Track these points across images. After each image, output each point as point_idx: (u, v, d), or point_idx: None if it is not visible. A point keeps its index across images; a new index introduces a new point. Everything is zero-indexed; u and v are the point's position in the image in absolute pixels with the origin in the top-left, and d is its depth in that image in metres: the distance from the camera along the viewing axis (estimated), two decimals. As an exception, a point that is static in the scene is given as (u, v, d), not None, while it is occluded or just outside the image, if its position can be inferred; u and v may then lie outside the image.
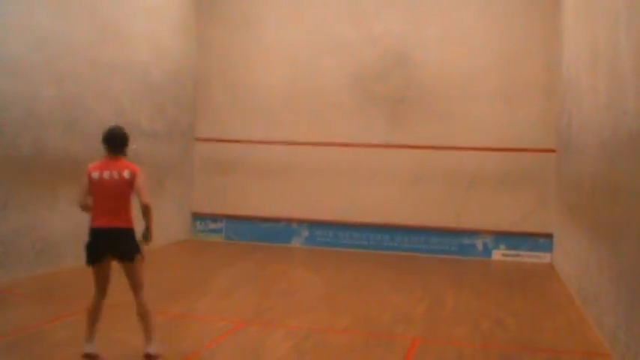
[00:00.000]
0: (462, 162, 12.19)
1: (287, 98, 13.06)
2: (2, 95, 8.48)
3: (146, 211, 5.42)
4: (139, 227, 5.52)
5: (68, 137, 9.70)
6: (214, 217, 13.39)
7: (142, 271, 5.48)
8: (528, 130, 11.95)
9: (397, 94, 12.56)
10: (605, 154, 6.75)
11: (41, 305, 7.58)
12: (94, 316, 5.41)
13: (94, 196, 5.35)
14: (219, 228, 13.40)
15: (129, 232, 5.46)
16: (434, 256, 12.18)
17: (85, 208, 5.41)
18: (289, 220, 13.01)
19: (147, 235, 5.49)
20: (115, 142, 5.49)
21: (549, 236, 11.71)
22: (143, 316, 5.43)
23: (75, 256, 8.44)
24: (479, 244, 12.18)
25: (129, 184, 5.43)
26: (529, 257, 11.89)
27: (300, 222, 12.96)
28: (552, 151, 11.69)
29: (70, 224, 9.23)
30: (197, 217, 13.49)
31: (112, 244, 5.39)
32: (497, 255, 12.09)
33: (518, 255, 11.97)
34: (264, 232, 13.12)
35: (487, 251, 12.14)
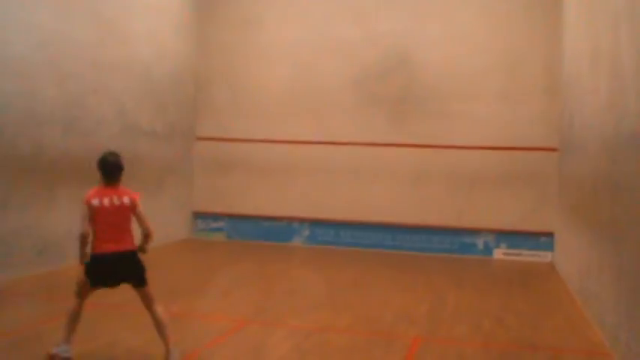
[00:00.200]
0: (464, 161, 12.19)
1: (288, 97, 13.06)
2: (3, 95, 8.49)
3: (149, 237, 5.59)
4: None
5: (69, 137, 9.71)
6: (216, 216, 13.40)
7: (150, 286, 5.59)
8: (530, 129, 11.94)
9: (398, 94, 12.56)
10: (607, 154, 6.74)
11: (42, 305, 7.58)
12: (77, 319, 5.45)
13: (96, 222, 5.38)
14: (221, 227, 13.40)
15: (135, 255, 5.56)
16: (435, 255, 12.18)
17: (87, 237, 5.39)
18: (290, 219, 13.02)
19: (142, 250, 5.64)
20: (114, 171, 5.53)
21: (550, 235, 11.70)
22: (162, 328, 5.48)
23: (75, 256, 8.40)
24: (480, 243, 12.18)
25: (130, 210, 5.54)
26: (530, 256, 11.89)
27: (302, 221, 12.97)
28: (554, 150, 11.69)
29: (70, 224, 9.20)
30: (198, 216, 13.49)
31: (122, 270, 5.48)
32: (498, 254, 12.09)
33: (519, 254, 11.96)
34: (266, 231, 13.13)
35: (488, 250, 12.14)
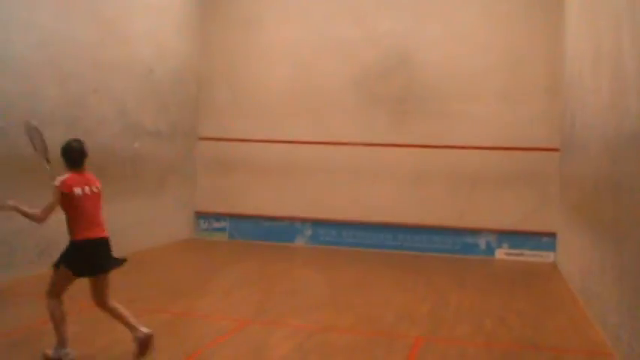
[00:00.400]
0: (465, 161, 12.18)
1: (290, 97, 13.07)
2: (5, 95, 8.49)
3: None
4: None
5: (70, 136, 9.63)
6: (218, 216, 13.41)
7: None
8: (531, 129, 11.93)
9: (399, 94, 12.56)
10: (608, 154, 6.74)
11: (43, 305, 7.57)
12: (64, 318, 5.44)
13: (77, 210, 5.42)
14: (223, 227, 13.41)
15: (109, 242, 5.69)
16: (437, 255, 12.17)
17: (40, 222, 5.50)
18: (292, 219, 13.02)
19: None
20: (81, 157, 5.60)
21: (552, 235, 11.70)
22: (119, 314, 5.49)
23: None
24: (482, 243, 12.17)
25: (101, 197, 5.68)
26: (532, 256, 11.88)
27: (304, 221, 12.97)
28: (556, 150, 11.68)
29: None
30: (200, 215, 13.50)
31: (104, 256, 5.55)
32: (500, 254, 12.09)
33: (521, 254, 11.96)
34: (268, 231, 13.13)
35: (490, 250, 12.13)
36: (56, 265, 5.48)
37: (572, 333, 7.01)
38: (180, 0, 12.92)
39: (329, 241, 12.81)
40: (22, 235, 8.75)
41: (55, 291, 5.44)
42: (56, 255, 5.58)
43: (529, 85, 12.01)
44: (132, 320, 5.44)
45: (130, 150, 11.16)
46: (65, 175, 5.47)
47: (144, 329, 5.39)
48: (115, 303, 5.52)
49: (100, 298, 5.52)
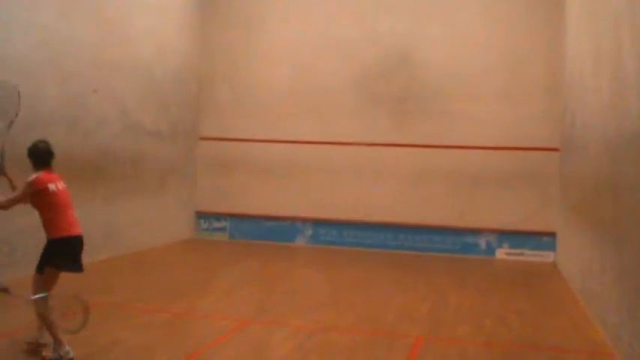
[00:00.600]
0: (466, 161, 12.19)
1: (290, 97, 13.08)
2: (5, 95, 8.49)
3: None
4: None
5: (71, 136, 9.72)
6: (218, 216, 13.41)
7: None
8: (532, 129, 11.93)
9: (400, 94, 12.57)
10: (609, 154, 6.74)
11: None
12: (55, 318, 5.40)
13: (53, 208, 5.44)
14: (224, 227, 13.42)
15: None
16: (437, 254, 12.18)
17: (4, 209, 5.54)
18: (293, 219, 13.03)
19: None
20: (49, 156, 5.64)
21: (553, 235, 11.70)
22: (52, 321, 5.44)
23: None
24: (482, 242, 12.18)
25: None
26: (532, 256, 11.89)
27: (304, 221, 12.98)
28: (556, 150, 11.68)
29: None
30: (201, 215, 13.51)
31: (79, 252, 5.60)
32: (500, 254, 12.09)
33: (521, 254, 11.96)
34: (268, 231, 13.13)
35: (490, 250, 12.14)
36: (39, 269, 5.49)
37: (572, 333, 7.01)
38: (181, 0, 12.92)
39: (329, 241, 12.82)
40: (22, 235, 8.75)
41: (48, 288, 5.43)
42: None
43: (529, 85, 12.01)
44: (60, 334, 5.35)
45: (131, 150, 11.16)
46: (37, 173, 5.51)
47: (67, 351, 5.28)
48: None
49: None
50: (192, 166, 13.44)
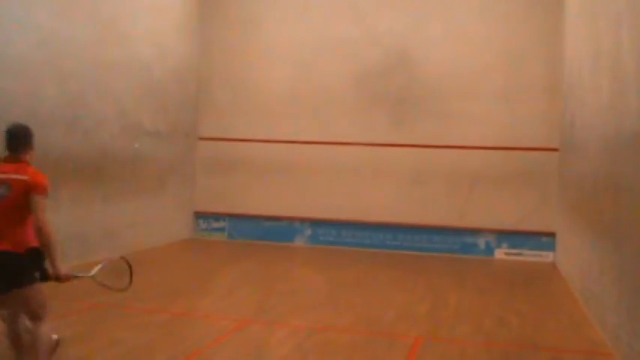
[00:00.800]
0: (465, 161, 12.19)
1: (289, 97, 13.08)
2: (4, 94, 8.48)
3: None
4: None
5: (70, 136, 9.71)
6: (217, 216, 13.41)
7: None
8: (531, 128, 11.94)
9: (399, 94, 12.57)
10: (608, 154, 6.75)
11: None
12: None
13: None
14: (222, 227, 13.41)
15: None
16: (436, 254, 12.17)
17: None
18: (292, 219, 13.02)
19: None
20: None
21: (552, 235, 11.70)
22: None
23: (78, 256, 8.46)
24: (481, 242, 12.18)
25: None
26: (532, 256, 11.88)
27: (303, 221, 12.97)
28: (555, 149, 11.68)
29: (73, 224, 9.22)
30: (200, 215, 13.50)
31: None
32: (499, 254, 12.09)
33: (520, 254, 11.96)
34: (267, 231, 13.13)
35: (489, 250, 12.14)
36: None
37: (571, 333, 7.01)
38: (179, 0, 12.92)
39: (329, 241, 12.82)
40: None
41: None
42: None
43: (529, 84, 12.01)
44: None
45: (130, 150, 11.15)
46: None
47: None
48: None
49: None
50: (191, 166, 13.43)
